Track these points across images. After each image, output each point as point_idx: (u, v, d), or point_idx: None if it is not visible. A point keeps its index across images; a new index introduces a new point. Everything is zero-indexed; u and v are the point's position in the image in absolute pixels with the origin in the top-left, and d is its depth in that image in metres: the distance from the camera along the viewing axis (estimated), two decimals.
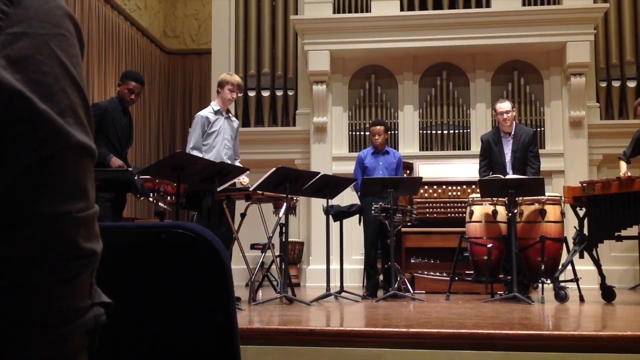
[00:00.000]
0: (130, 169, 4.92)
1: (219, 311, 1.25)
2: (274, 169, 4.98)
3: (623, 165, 5.33)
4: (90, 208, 0.68)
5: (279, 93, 9.45)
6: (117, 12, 9.97)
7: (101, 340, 1.32)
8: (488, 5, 8.87)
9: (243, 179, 5.47)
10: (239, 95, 5.90)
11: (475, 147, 7.80)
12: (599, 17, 8.74)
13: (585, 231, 5.65)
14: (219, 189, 4.75)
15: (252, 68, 9.52)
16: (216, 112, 5.56)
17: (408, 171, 8.12)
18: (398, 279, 5.99)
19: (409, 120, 9.10)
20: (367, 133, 7.48)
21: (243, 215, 5.63)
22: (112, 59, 9.66)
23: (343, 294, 5.80)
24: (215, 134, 5.51)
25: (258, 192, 5.18)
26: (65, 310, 0.66)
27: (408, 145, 9.02)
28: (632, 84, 8.91)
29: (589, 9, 8.65)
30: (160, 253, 1.27)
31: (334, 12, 9.06)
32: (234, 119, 5.79)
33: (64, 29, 0.67)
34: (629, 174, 5.42)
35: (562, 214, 5.93)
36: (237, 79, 5.56)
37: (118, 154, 5.26)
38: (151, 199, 5.04)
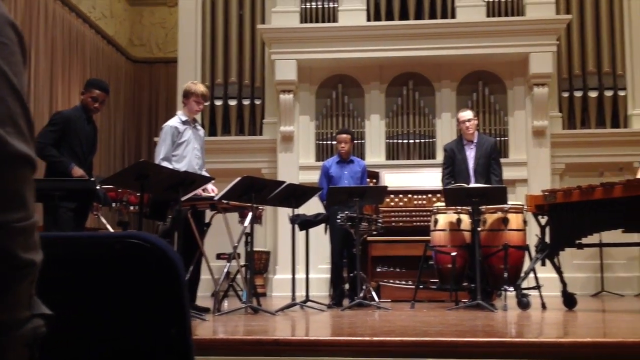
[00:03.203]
0: (92, 178, 4.86)
1: (173, 322, 1.24)
2: (239, 178, 4.97)
3: None
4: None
5: (246, 102, 9.43)
6: (82, 20, 9.88)
7: (53, 352, 1.30)
8: (453, 16, 8.98)
9: (210, 188, 5.45)
10: (206, 104, 5.87)
11: (441, 156, 7.87)
12: (561, 28, 8.91)
13: (547, 239, 5.73)
14: (183, 199, 4.72)
15: (219, 77, 9.50)
16: (184, 122, 5.52)
17: (374, 180, 8.17)
18: (364, 287, 6.01)
19: (375, 130, 9.16)
20: (334, 142, 7.52)
21: (208, 225, 5.61)
22: (77, 67, 9.56)
23: (309, 303, 5.80)
24: (185, 144, 5.47)
25: (223, 201, 5.16)
26: (2, 321, 0.65)
27: (374, 154, 9.07)
28: (593, 94, 9.08)
29: (552, 20, 8.81)
30: (114, 263, 1.26)
31: (301, 22, 9.10)
32: (200, 128, 5.77)
33: (5, 37, 0.67)
34: None
35: (525, 222, 6.02)
36: (202, 88, 5.53)
37: (81, 163, 5.20)
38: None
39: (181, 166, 5.27)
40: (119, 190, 4.82)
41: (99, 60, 10.33)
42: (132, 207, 5.29)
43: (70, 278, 1.27)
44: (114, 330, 1.26)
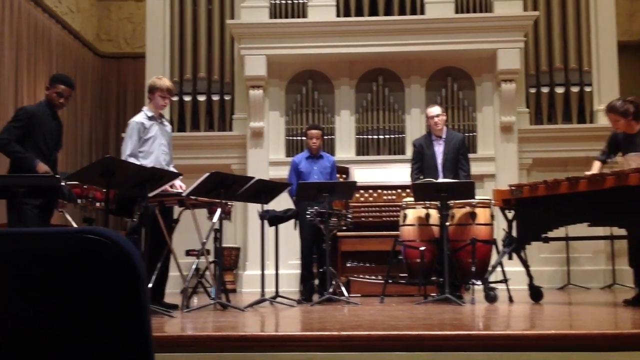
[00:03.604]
0: (57, 175, 4.79)
1: (131, 317, 1.23)
2: (207, 174, 4.94)
3: (596, 165, 5.48)
4: None
5: (216, 98, 9.38)
6: (48, 14, 9.73)
7: (11, 347, 1.28)
8: (422, 12, 9.03)
9: (178, 184, 5.40)
10: (171, 99, 5.82)
11: (410, 152, 7.91)
12: (529, 24, 9.00)
13: (514, 233, 5.79)
14: (150, 195, 4.68)
15: (188, 72, 9.44)
16: (150, 118, 5.47)
17: (344, 176, 8.18)
18: (333, 283, 6.01)
19: (345, 125, 9.18)
20: (304, 138, 7.52)
21: (176, 221, 5.57)
22: (43, 62, 9.41)
23: (278, 298, 5.79)
24: (151, 140, 5.42)
25: (191, 197, 5.12)
26: None
27: (344, 150, 9.09)
28: (560, 90, 9.20)
29: (519, 16, 8.90)
30: (71, 259, 1.25)
31: (271, 17, 9.07)
32: (167, 123, 5.71)
33: None
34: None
35: (492, 216, 6.08)
36: (167, 83, 5.47)
37: (46, 159, 5.12)
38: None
39: (148, 162, 5.22)
40: (85, 187, 4.76)
41: (66, 56, 10.19)
42: (98, 204, 5.22)
43: (27, 274, 1.25)
44: (71, 326, 1.25)
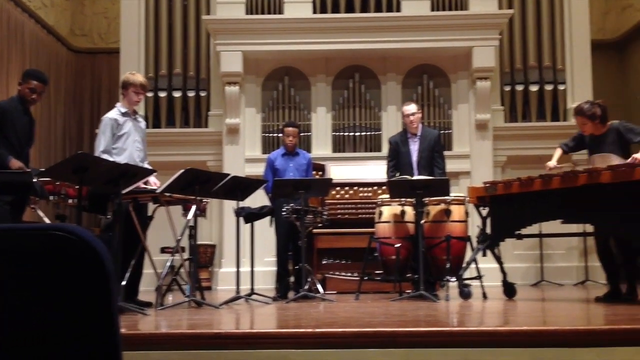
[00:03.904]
0: (29, 170, 4.73)
1: (99, 314, 1.21)
2: (182, 170, 4.90)
3: (558, 152, 5.53)
4: None
5: (191, 94, 9.33)
6: (21, 9, 9.59)
7: None
8: (398, 9, 9.05)
9: (153, 181, 5.36)
10: (146, 95, 5.77)
11: (386, 149, 7.93)
12: (503, 22, 9.06)
13: (488, 230, 5.83)
14: (124, 192, 4.63)
15: (163, 68, 9.37)
16: (124, 114, 5.42)
17: (320, 173, 8.18)
18: (309, 280, 6.01)
19: (321, 122, 9.17)
20: (281, 135, 7.50)
21: (150, 218, 5.52)
22: (16, 57, 9.28)
23: (253, 296, 5.77)
24: (125, 137, 5.37)
25: (166, 194, 5.08)
26: None
27: (321, 146, 9.08)
28: (534, 88, 9.27)
29: (495, 14, 8.96)
30: (39, 255, 1.23)
31: (247, 13, 9.04)
32: (141, 120, 5.66)
33: None
34: (556, 164, 5.56)
35: (467, 213, 6.11)
36: (140, 79, 5.42)
37: (18, 155, 5.05)
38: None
39: (122, 159, 5.17)
40: (57, 183, 4.70)
41: (39, 51, 10.05)
42: (70, 201, 5.16)
43: None
44: (39, 323, 1.23)
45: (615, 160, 5.15)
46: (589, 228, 6.29)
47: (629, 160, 4.93)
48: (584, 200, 5.01)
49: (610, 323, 3.65)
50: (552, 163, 5.53)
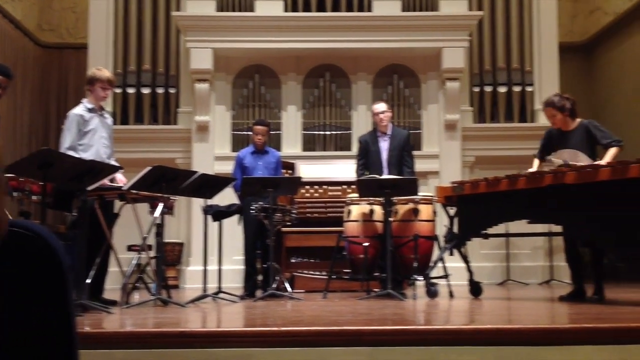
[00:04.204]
0: None
1: (55, 311, 1.20)
2: (149, 167, 4.85)
3: (536, 162, 5.57)
4: None
5: (160, 90, 9.25)
6: None
7: None
8: (370, 9, 9.07)
9: (119, 178, 5.31)
10: (113, 90, 5.71)
11: (356, 148, 7.95)
12: (473, 24, 9.14)
13: (456, 229, 5.88)
14: (89, 188, 4.58)
15: (132, 64, 9.27)
16: (90, 110, 5.35)
17: (290, 171, 8.16)
18: (277, 278, 6.00)
19: (292, 121, 9.16)
20: (250, 133, 7.47)
21: (117, 216, 5.46)
22: None
23: (221, 294, 5.74)
24: (91, 133, 5.31)
25: (132, 191, 5.03)
26: None
27: (291, 145, 9.07)
28: (502, 90, 9.37)
29: (464, 16, 9.03)
30: None
31: (217, 10, 9.00)
32: (107, 116, 5.59)
33: None
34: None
35: (435, 213, 6.15)
36: (107, 74, 5.36)
37: None
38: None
39: (88, 155, 5.11)
40: (21, 179, 4.62)
41: (6, 45, 9.87)
42: (34, 197, 5.08)
43: None
44: None
45: (583, 157, 5.21)
46: (555, 228, 6.36)
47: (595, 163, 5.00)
48: (549, 200, 5.06)
49: (573, 322, 3.70)
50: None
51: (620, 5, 10.94)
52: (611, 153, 5.09)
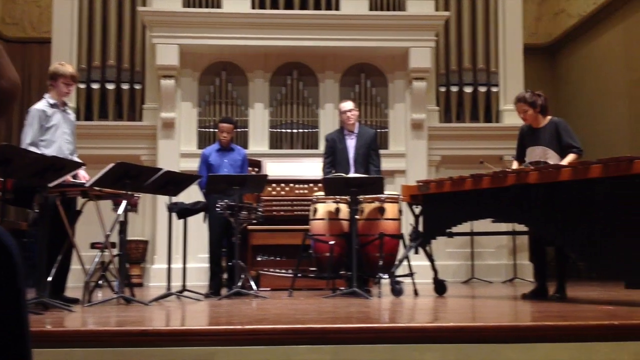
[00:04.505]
0: None
1: (6, 308, 1.17)
2: (112, 164, 4.79)
3: (515, 164, 5.61)
4: None
5: (125, 86, 9.15)
6: None
7: None
8: (337, 8, 9.08)
9: (82, 175, 5.23)
10: (77, 86, 5.62)
11: (323, 147, 7.96)
12: (440, 24, 9.20)
13: (421, 228, 5.91)
14: (51, 185, 4.50)
15: (96, 59, 9.15)
16: (52, 106, 5.26)
17: (256, 169, 8.13)
18: (242, 276, 5.97)
19: (259, 118, 9.13)
20: (217, 130, 7.42)
21: (79, 213, 5.38)
22: None
23: (185, 293, 5.70)
24: (54, 129, 5.22)
25: (95, 188, 4.96)
26: None
27: (258, 143, 9.04)
28: (468, 90, 9.46)
29: (431, 16, 9.09)
30: None
31: (184, 6, 8.93)
32: (70, 112, 5.50)
33: None
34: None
35: (400, 211, 6.18)
36: (69, 69, 5.28)
37: None
38: None
39: (50, 151, 5.03)
40: None
41: None
42: None
43: None
44: None
45: (552, 155, 5.27)
46: (519, 227, 6.43)
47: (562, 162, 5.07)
48: (512, 200, 5.12)
49: (535, 320, 3.74)
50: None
51: (584, 7, 11.12)
52: (568, 158, 5.16)
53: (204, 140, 8.90)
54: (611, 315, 3.71)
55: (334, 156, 6.53)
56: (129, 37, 9.30)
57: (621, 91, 10.20)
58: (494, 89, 9.47)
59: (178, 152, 8.83)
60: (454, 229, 5.82)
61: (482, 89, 9.47)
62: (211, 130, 8.87)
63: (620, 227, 4.37)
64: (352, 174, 6.24)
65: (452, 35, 9.62)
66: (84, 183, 5.05)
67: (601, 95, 10.74)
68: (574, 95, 11.61)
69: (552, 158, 5.26)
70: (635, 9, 9.88)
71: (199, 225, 6.95)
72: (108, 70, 9.14)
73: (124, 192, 4.99)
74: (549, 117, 5.47)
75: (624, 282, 4.43)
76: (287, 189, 8.13)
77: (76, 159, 5.31)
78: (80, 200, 5.48)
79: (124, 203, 5.07)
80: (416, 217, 5.97)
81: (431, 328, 3.22)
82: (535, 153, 5.38)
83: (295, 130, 9.11)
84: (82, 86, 8.94)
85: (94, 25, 9.23)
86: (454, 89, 9.50)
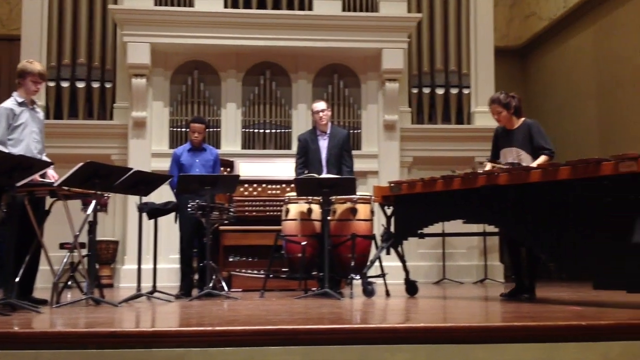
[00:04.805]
0: None
1: None
2: (81, 163, 4.73)
3: (488, 166, 5.64)
4: None
5: (96, 85, 9.05)
6: None
7: None
8: (310, 8, 9.08)
9: (50, 174, 5.16)
10: (46, 84, 5.55)
11: (296, 147, 7.94)
12: (412, 26, 9.25)
13: (393, 229, 5.93)
14: (19, 184, 4.43)
15: (66, 57, 9.04)
16: (20, 104, 5.19)
17: (228, 169, 8.10)
18: (214, 277, 5.93)
19: (231, 118, 9.09)
20: (188, 130, 7.37)
21: (47, 213, 5.31)
22: None
23: (155, 293, 5.65)
24: (22, 127, 5.15)
25: (64, 188, 4.89)
26: None
27: (230, 143, 9.00)
28: (440, 91, 9.52)
29: (404, 18, 9.13)
30: None
31: (156, 4, 8.86)
32: (39, 110, 5.43)
33: None
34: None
35: (372, 212, 6.19)
36: (38, 67, 5.20)
37: None
38: None
39: (18, 150, 4.97)
40: None
41: None
42: None
43: None
44: None
45: (525, 157, 5.32)
46: (490, 228, 6.48)
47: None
48: (483, 201, 5.15)
49: (504, 321, 3.77)
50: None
51: (554, 10, 11.26)
52: (540, 160, 5.21)
53: (175, 140, 8.84)
54: (579, 315, 3.76)
55: (306, 157, 6.52)
56: (100, 35, 9.20)
57: (591, 93, 10.34)
58: (465, 91, 9.54)
59: (149, 152, 8.76)
60: (426, 230, 5.85)
61: (454, 91, 9.53)
62: (183, 130, 8.81)
63: (589, 228, 4.43)
64: (324, 175, 6.24)
65: (424, 37, 9.68)
66: (53, 182, 4.99)
67: (571, 97, 10.89)
68: (544, 97, 11.74)
69: (525, 159, 5.31)
70: (605, 13, 10.02)
71: (170, 225, 6.90)
72: (78, 68, 9.03)
73: (93, 191, 4.93)
74: (522, 119, 5.52)
75: (592, 283, 4.49)
76: (259, 189, 8.11)
77: (45, 158, 5.23)
78: (48, 200, 5.40)
79: (93, 203, 5.01)
80: (388, 218, 5.99)
81: (402, 329, 3.22)
82: (509, 155, 5.42)
83: (267, 131, 9.08)
84: (52, 84, 8.83)
85: (65, 23, 9.11)
86: (426, 90, 9.56)
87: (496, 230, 6.03)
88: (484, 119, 8.90)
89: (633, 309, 4.13)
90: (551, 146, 5.32)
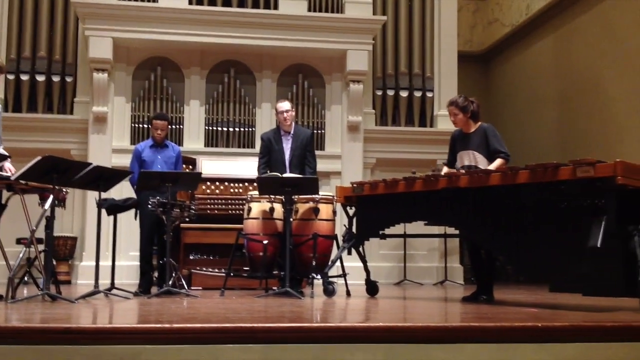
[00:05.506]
0: None
1: None
2: (39, 157, 4.64)
3: (445, 169, 5.67)
4: None
5: (56, 79, 8.91)
6: None
7: None
8: (276, 7, 9.06)
9: (7, 167, 5.06)
10: (4, 76, 5.43)
11: (259, 146, 7.92)
12: (377, 28, 9.29)
13: (355, 229, 5.95)
14: None
15: (26, 50, 8.88)
16: None
17: (191, 166, 8.04)
18: (173, 275, 5.88)
19: (194, 116, 9.02)
20: (150, 126, 7.29)
21: (3, 207, 5.20)
22: None
23: (114, 290, 5.57)
24: None
25: (21, 181, 4.80)
26: None
27: (193, 140, 8.94)
28: (404, 94, 9.58)
29: (369, 20, 9.17)
30: None
31: None
32: None
33: None
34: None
35: (334, 212, 6.20)
36: None
37: None
38: None
39: None
40: None
41: None
42: None
43: None
44: None
45: (481, 159, 5.37)
46: (449, 230, 6.55)
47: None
48: (444, 203, 5.19)
49: (462, 321, 3.81)
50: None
51: (517, 17, 11.43)
52: (496, 163, 5.27)
53: (137, 136, 8.74)
54: (535, 317, 3.81)
55: (269, 156, 6.49)
56: (61, 28, 9.05)
57: (551, 99, 10.52)
58: (429, 94, 9.63)
59: (110, 148, 8.65)
60: (387, 231, 5.88)
61: (418, 94, 9.61)
62: (145, 126, 8.72)
63: (546, 232, 4.49)
64: (287, 174, 6.23)
65: (389, 39, 9.73)
66: (10, 176, 4.89)
67: (532, 103, 11.07)
68: (506, 102, 11.91)
69: (481, 162, 5.37)
70: (566, 21, 10.21)
71: (129, 222, 6.81)
72: (38, 61, 8.88)
73: (51, 186, 4.85)
74: (479, 123, 5.58)
75: (549, 285, 4.56)
76: (221, 187, 8.07)
77: (2, 151, 5.13)
78: (5, 194, 5.29)
79: (51, 198, 4.92)
80: (350, 218, 6.00)
81: (361, 328, 3.23)
82: (466, 157, 5.48)
83: (231, 129, 9.04)
84: (11, 77, 8.66)
85: (25, 15, 8.94)
86: (390, 92, 9.61)
87: (457, 232, 6.08)
88: (446, 122, 8.96)
89: (587, 312, 4.21)
90: (506, 150, 5.39)
